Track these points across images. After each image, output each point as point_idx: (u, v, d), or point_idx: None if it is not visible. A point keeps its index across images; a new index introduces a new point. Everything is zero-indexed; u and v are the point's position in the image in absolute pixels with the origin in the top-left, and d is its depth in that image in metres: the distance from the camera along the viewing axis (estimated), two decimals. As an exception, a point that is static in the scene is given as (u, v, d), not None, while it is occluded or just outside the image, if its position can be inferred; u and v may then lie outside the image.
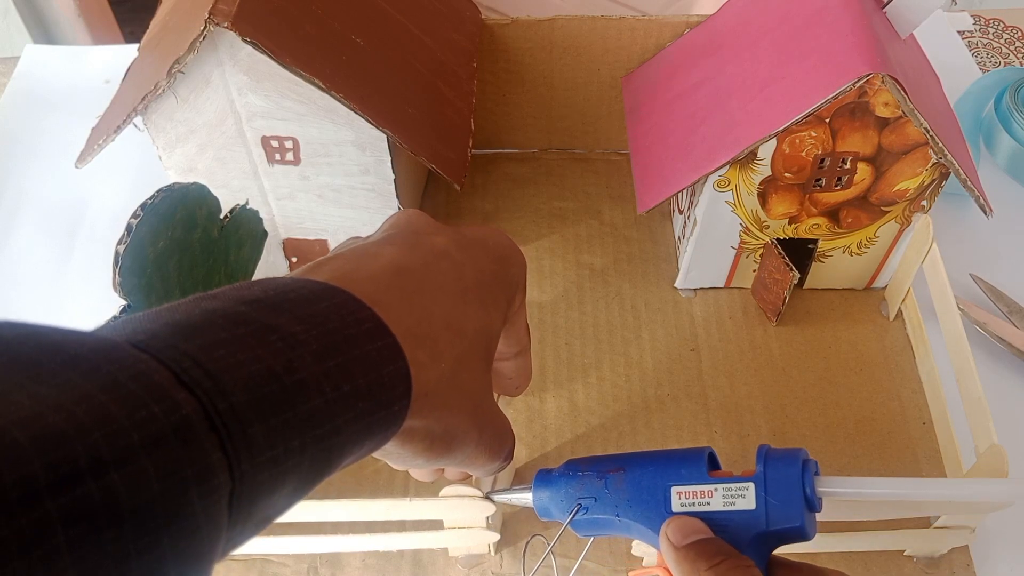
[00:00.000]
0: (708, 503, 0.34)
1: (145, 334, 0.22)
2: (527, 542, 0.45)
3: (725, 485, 0.34)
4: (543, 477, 0.39)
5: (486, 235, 0.35)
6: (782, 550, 0.34)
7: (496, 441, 0.34)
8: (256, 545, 0.47)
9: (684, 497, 0.34)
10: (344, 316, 0.26)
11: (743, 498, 0.33)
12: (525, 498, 0.39)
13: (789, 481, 0.33)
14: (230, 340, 0.23)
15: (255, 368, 0.22)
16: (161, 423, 0.19)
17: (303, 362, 0.24)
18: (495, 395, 0.38)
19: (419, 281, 0.30)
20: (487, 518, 0.44)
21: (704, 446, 0.36)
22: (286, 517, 0.44)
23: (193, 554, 0.20)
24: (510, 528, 0.49)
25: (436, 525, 0.45)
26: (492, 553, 0.48)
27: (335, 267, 0.29)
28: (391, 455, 0.30)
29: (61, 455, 0.17)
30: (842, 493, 0.33)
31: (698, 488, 0.34)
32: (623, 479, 0.36)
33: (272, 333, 0.24)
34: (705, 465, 0.35)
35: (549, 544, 0.39)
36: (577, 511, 0.37)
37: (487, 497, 0.41)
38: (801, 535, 0.33)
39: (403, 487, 0.51)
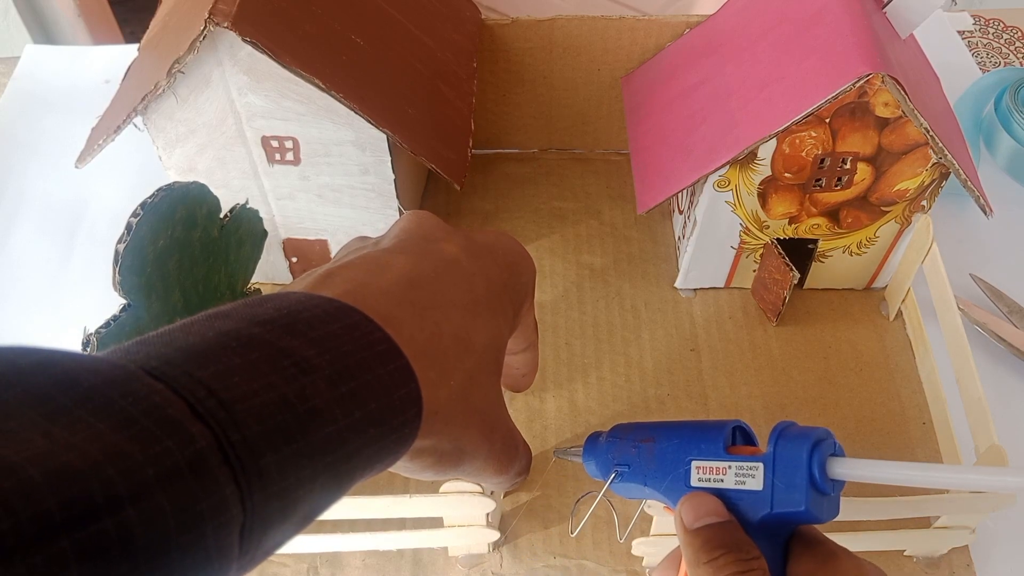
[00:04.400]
0: (722, 480, 0.33)
1: (159, 359, 0.22)
2: (579, 499, 0.46)
3: (738, 463, 0.33)
4: (591, 442, 0.40)
5: (495, 241, 0.35)
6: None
7: (506, 455, 0.34)
8: (256, 545, 0.47)
9: (701, 472, 0.34)
10: (357, 339, 0.25)
11: (752, 478, 0.32)
12: (579, 456, 0.41)
13: (795, 463, 0.31)
14: (244, 366, 0.22)
15: (268, 397, 0.22)
16: (176, 457, 0.19)
17: (316, 388, 0.23)
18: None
19: (430, 294, 0.29)
20: (487, 515, 0.44)
21: (731, 419, 0.35)
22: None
23: None
24: (510, 527, 0.49)
25: (436, 523, 0.45)
26: (492, 552, 0.48)
27: (346, 279, 0.29)
28: (399, 468, 0.30)
29: (76, 491, 0.17)
30: (857, 476, 0.31)
31: (713, 464, 0.33)
32: (653, 449, 0.36)
33: (285, 357, 0.23)
34: (724, 440, 0.34)
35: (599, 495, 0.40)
36: (614, 477, 0.38)
37: (555, 455, 0.44)
38: (809, 519, 0.31)
39: (403, 485, 0.51)
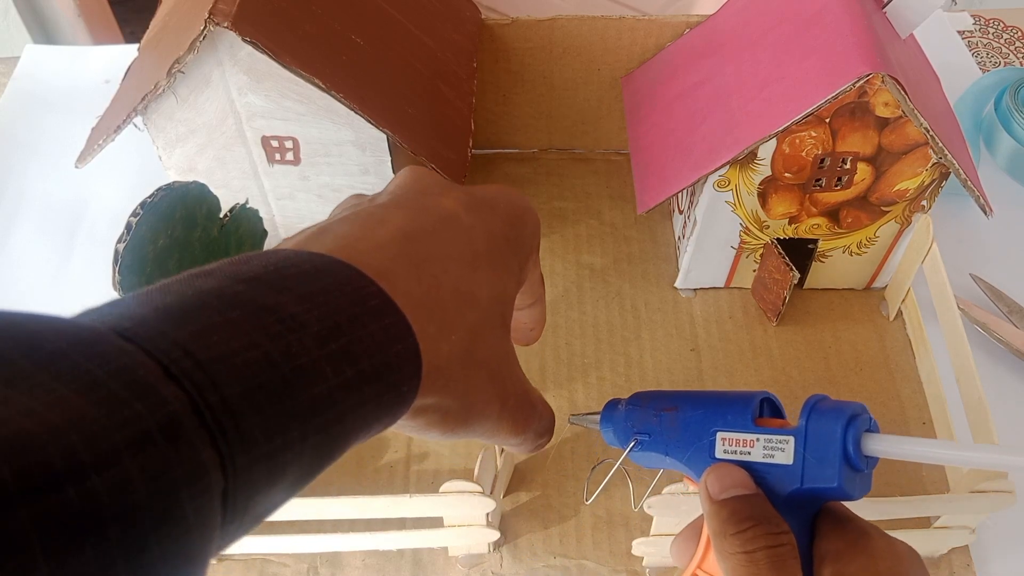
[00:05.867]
0: (749, 453, 0.32)
1: (132, 320, 0.20)
2: (594, 466, 0.44)
3: (766, 436, 0.32)
4: (610, 408, 0.39)
5: (496, 195, 0.33)
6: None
7: (520, 413, 0.32)
8: (256, 545, 0.47)
9: (727, 444, 0.33)
10: (348, 293, 0.24)
11: (782, 451, 0.31)
12: (595, 423, 0.40)
13: (829, 438, 0.30)
14: (224, 325, 0.21)
15: (250, 356, 0.21)
16: (146, 421, 0.18)
17: (303, 346, 0.22)
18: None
19: (427, 248, 0.28)
20: (487, 515, 0.44)
21: (759, 391, 0.34)
22: (286, 516, 0.44)
23: (184, 555, 0.19)
24: (510, 527, 0.49)
25: (436, 523, 0.45)
26: (492, 552, 0.48)
27: (339, 234, 0.27)
28: (403, 427, 0.28)
29: (33, 460, 0.16)
30: (893, 453, 0.30)
31: (740, 436, 0.32)
32: (675, 419, 0.35)
33: (270, 315, 0.22)
34: (752, 412, 0.33)
35: (616, 463, 0.38)
36: (634, 446, 0.36)
37: (569, 421, 0.42)
38: (840, 496, 0.30)
39: (403, 485, 0.51)
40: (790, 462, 0.31)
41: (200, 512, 0.19)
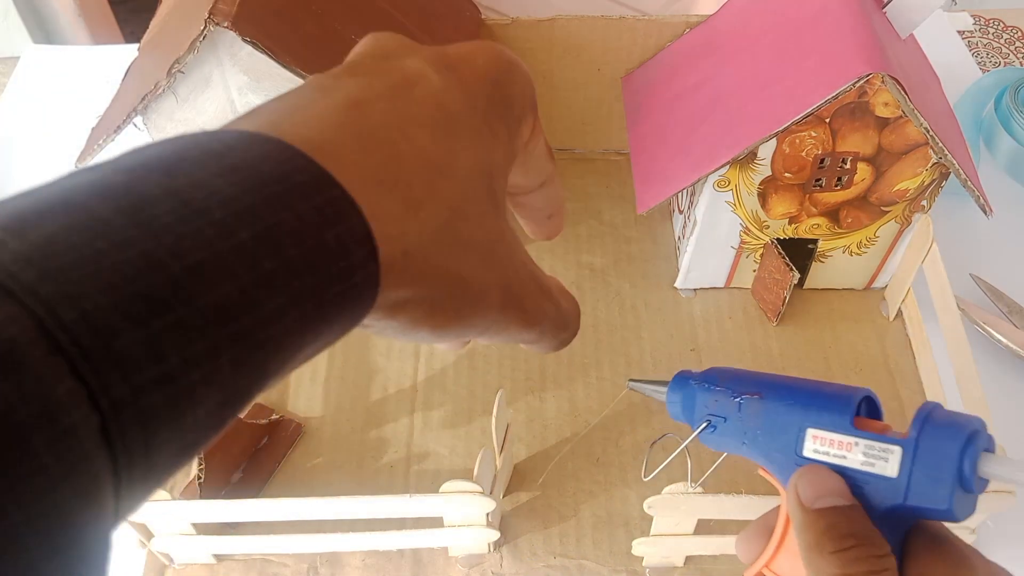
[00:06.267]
0: (844, 457, 0.29)
1: None
2: (654, 441, 0.41)
3: (868, 442, 0.28)
4: (680, 381, 0.35)
5: (474, 50, 0.28)
6: None
7: (531, 302, 0.27)
8: (256, 545, 0.47)
9: (819, 443, 0.30)
10: (265, 172, 0.19)
11: (885, 462, 0.28)
12: (660, 393, 0.36)
13: (944, 455, 0.27)
14: (87, 225, 0.17)
15: (123, 257, 0.16)
16: None
17: (202, 238, 0.18)
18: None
19: (383, 115, 0.23)
20: (487, 515, 0.44)
21: (860, 387, 0.30)
22: (286, 516, 0.44)
23: (61, 512, 0.15)
24: (510, 527, 0.49)
25: (436, 523, 0.45)
26: (492, 552, 0.48)
27: (272, 109, 0.23)
28: (385, 331, 0.24)
29: None
30: (1014, 479, 0.27)
31: (837, 437, 0.29)
32: (758, 406, 0.32)
33: (156, 205, 0.17)
34: (852, 411, 0.30)
35: (682, 443, 0.35)
36: (705, 427, 0.33)
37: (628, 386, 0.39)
38: (946, 517, 0.28)
39: (403, 485, 0.51)
40: (894, 475, 0.28)
41: (65, 459, 0.15)
